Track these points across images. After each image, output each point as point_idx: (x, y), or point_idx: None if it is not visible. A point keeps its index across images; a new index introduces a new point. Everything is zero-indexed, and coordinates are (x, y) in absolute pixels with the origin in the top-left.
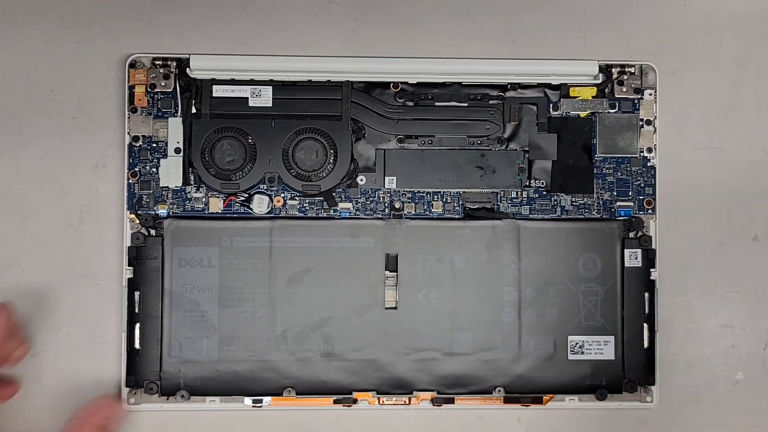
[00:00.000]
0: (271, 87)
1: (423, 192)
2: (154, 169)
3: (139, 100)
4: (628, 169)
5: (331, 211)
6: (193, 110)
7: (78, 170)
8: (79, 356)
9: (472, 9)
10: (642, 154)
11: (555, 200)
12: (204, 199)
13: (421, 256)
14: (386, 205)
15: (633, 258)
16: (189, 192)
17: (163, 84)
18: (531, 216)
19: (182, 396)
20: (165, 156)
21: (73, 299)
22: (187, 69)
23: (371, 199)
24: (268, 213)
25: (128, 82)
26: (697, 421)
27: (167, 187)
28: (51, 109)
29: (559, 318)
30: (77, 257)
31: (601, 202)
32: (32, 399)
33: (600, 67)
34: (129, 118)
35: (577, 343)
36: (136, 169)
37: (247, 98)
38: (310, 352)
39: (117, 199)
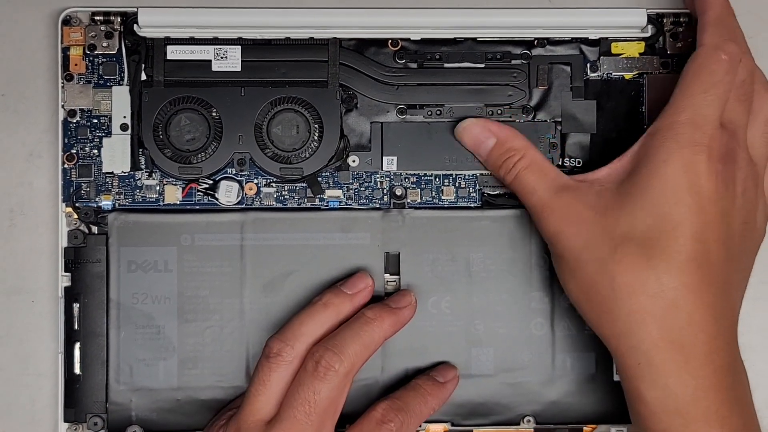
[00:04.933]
0: (239, 47)
1: (430, 175)
2: (96, 151)
3: (76, 65)
4: None
5: (317, 200)
6: (143, 77)
7: (8, 161)
8: (9, 393)
9: None
10: None
11: None
12: (158, 188)
13: (429, 254)
14: (385, 191)
15: None
16: (139, 179)
17: (104, 45)
18: None
19: None
20: (108, 134)
21: (3, 322)
22: (135, 26)
23: (366, 184)
24: (238, 204)
25: (61, 43)
26: None
27: (112, 172)
28: None
29: None
30: (7, 269)
31: None
32: None
33: (649, 16)
34: (63, 87)
35: None
36: (73, 152)
37: (210, 61)
38: None
39: (55, 193)
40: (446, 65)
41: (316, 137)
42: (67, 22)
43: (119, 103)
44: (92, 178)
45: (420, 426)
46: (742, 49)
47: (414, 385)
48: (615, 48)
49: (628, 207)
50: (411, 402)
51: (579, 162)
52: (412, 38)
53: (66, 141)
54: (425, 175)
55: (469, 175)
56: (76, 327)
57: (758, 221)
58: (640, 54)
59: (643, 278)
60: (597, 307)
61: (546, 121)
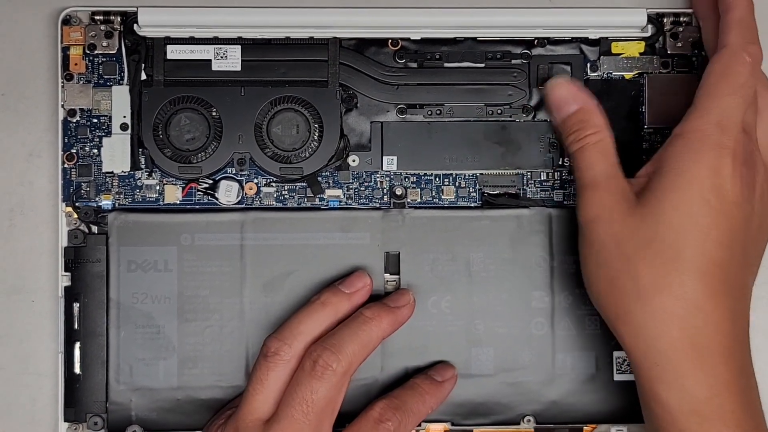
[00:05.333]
0: (239, 46)
1: (430, 175)
2: (95, 151)
3: (76, 64)
4: None
5: (317, 199)
6: (143, 76)
7: (8, 160)
8: (9, 392)
9: None
10: None
11: None
12: (158, 187)
13: (429, 254)
14: (385, 191)
15: None
16: (139, 178)
17: (104, 44)
18: (566, 203)
19: None
20: (108, 134)
21: (3, 321)
22: (135, 25)
23: (366, 184)
24: (238, 203)
25: (61, 42)
26: None
27: (112, 172)
28: None
29: (603, 329)
30: (7, 269)
31: None
32: None
33: (649, 16)
34: (63, 87)
35: (624, 360)
36: (73, 151)
37: (210, 61)
38: None
39: (55, 193)
40: (446, 65)
41: (316, 137)
42: (66, 21)
43: (119, 102)
44: (92, 178)
45: (419, 425)
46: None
47: (412, 385)
48: (615, 48)
49: (657, 207)
50: (409, 401)
51: None
52: (412, 38)
53: (66, 141)
54: (425, 174)
55: (469, 175)
56: (76, 326)
57: None
58: (640, 54)
59: (668, 279)
60: (617, 302)
61: (546, 120)
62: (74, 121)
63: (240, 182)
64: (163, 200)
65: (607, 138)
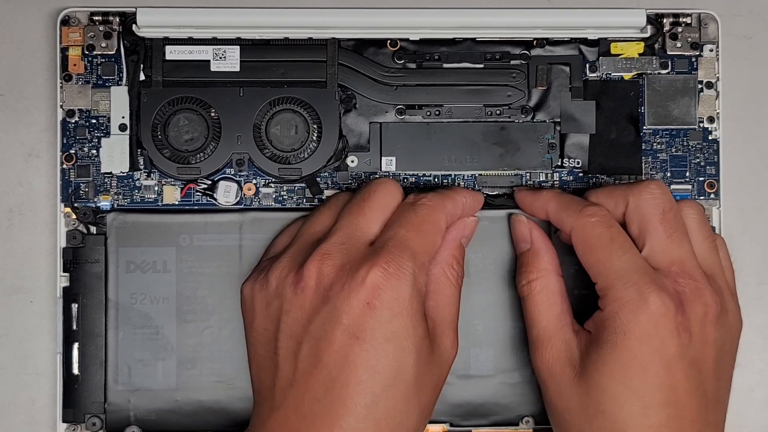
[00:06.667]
0: (238, 47)
1: (429, 175)
2: (94, 151)
3: (74, 65)
4: (685, 143)
5: (316, 200)
6: (142, 77)
7: (6, 161)
8: (8, 393)
9: None
10: (702, 124)
11: (594, 183)
12: (156, 188)
13: None
14: None
15: None
16: (138, 179)
17: (103, 45)
18: None
19: None
20: (107, 134)
21: (2, 322)
22: (134, 26)
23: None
24: (236, 204)
25: (60, 43)
26: None
27: (110, 173)
28: None
29: None
30: (6, 269)
31: None
32: None
33: (648, 16)
34: (62, 87)
35: None
36: (72, 152)
37: (209, 61)
38: None
39: (54, 194)
40: (445, 65)
41: (314, 137)
42: (65, 22)
43: (118, 103)
44: (91, 179)
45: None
46: (600, 198)
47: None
48: (614, 48)
49: (597, 380)
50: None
51: (578, 162)
52: (410, 38)
53: (65, 141)
54: (424, 175)
55: (467, 176)
56: (74, 327)
57: (731, 324)
58: (640, 54)
59: None
60: None
61: (545, 121)
62: (73, 121)
63: (239, 183)
64: (161, 201)
65: (552, 284)
